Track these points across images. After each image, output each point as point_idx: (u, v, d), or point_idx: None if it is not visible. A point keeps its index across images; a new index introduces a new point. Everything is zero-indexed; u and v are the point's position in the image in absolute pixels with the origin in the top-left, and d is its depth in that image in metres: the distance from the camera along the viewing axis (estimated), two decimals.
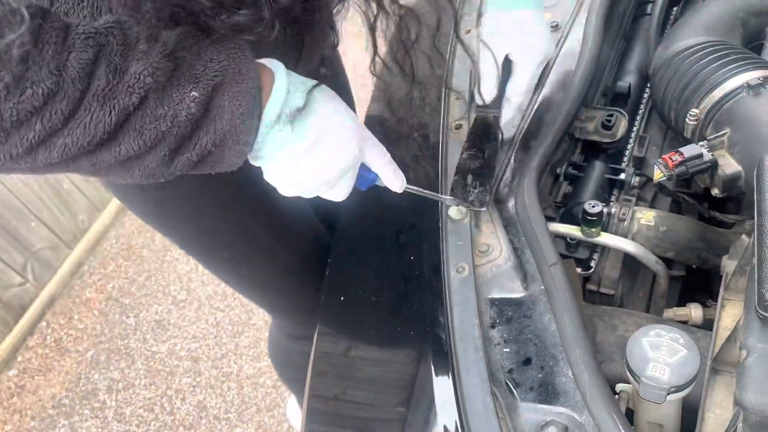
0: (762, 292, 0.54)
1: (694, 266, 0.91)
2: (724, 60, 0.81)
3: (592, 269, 0.88)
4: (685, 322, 0.86)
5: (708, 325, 0.84)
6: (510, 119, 0.89)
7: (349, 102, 1.07)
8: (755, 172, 0.63)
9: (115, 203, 2.62)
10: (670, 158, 0.74)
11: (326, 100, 0.65)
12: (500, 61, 0.83)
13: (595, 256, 0.89)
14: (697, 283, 0.98)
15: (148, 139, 0.55)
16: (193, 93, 0.55)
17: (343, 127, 0.65)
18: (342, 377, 0.84)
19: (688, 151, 0.74)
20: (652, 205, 0.96)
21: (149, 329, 2.26)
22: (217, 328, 2.19)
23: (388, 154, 0.70)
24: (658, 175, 0.76)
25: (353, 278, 0.89)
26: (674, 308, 0.88)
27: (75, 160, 0.54)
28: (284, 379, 1.56)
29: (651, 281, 0.98)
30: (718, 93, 0.78)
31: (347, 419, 0.81)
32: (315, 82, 0.65)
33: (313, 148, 0.63)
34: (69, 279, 2.46)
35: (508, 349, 0.69)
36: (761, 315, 0.55)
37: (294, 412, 1.87)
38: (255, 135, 0.61)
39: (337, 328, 0.87)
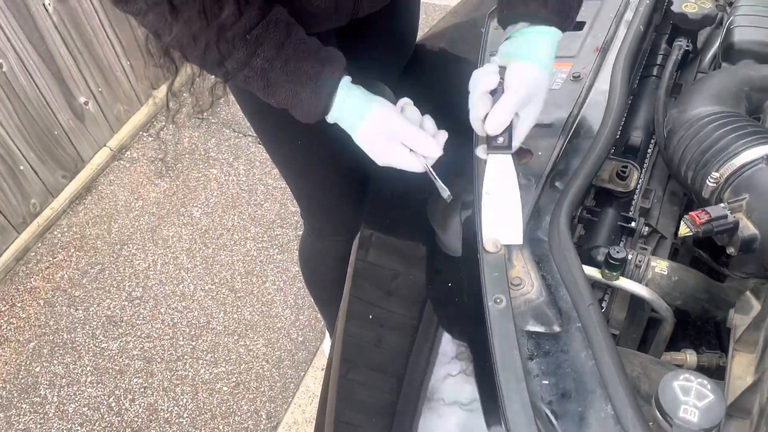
0: None
1: (692, 317, 0.98)
2: (744, 131, 0.89)
3: (603, 309, 0.94)
4: (680, 366, 0.93)
5: (701, 369, 0.91)
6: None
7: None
8: None
9: (70, 190, 2.52)
10: (698, 216, 0.81)
11: (376, 113, 0.89)
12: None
13: (606, 297, 0.95)
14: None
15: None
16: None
17: (377, 138, 0.91)
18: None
19: (714, 211, 0.81)
20: (653, 253, 1.03)
21: (99, 325, 2.18)
22: (174, 329, 2.14)
23: (421, 135, 0.90)
24: (684, 230, 0.83)
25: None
26: (671, 352, 0.95)
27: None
28: (309, 283, 1.65)
29: (645, 324, 1.05)
30: (738, 161, 0.86)
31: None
32: (371, 96, 0.91)
33: (361, 141, 0.92)
34: (13, 264, 2.34)
35: (546, 382, 0.73)
36: None
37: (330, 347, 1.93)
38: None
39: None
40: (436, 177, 0.92)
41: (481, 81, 0.89)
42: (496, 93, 0.89)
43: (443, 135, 0.93)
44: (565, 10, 0.89)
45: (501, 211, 0.89)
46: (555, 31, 0.90)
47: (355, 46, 1.08)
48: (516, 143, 0.91)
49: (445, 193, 0.92)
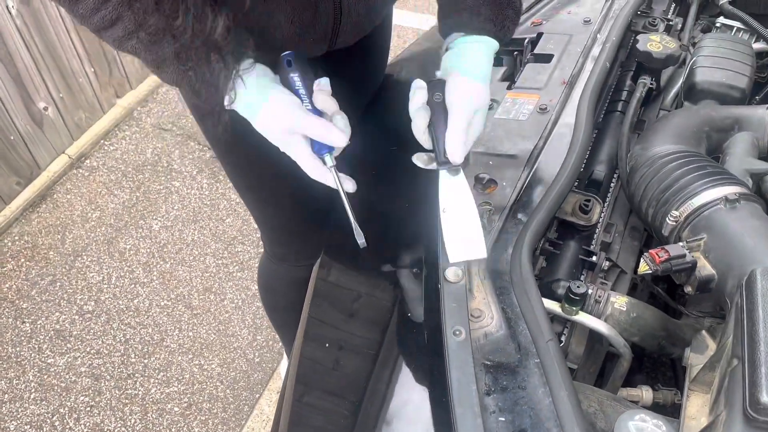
0: (756, 395, 0.60)
1: (647, 352, 0.99)
2: (704, 171, 0.90)
3: (562, 343, 0.93)
4: (636, 402, 0.93)
5: (656, 406, 0.91)
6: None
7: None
8: (744, 283, 0.70)
9: (23, 197, 2.43)
10: (657, 254, 0.81)
11: (272, 102, 0.84)
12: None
13: (565, 331, 0.94)
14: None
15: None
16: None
17: (273, 119, 0.85)
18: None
19: (673, 249, 0.81)
20: (612, 288, 1.03)
21: (46, 339, 2.10)
22: (126, 346, 2.07)
23: (327, 127, 0.84)
24: (643, 267, 0.83)
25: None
26: (628, 388, 0.94)
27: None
28: (268, 306, 1.64)
29: (602, 358, 1.05)
30: (697, 201, 0.87)
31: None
32: (271, 85, 0.85)
33: (257, 126, 0.86)
34: None
35: (503, 419, 0.72)
36: (751, 416, 0.61)
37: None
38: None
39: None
40: (353, 217, 0.87)
41: (415, 95, 0.88)
42: (433, 105, 0.88)
43: (347, 129, 0.88)
44: (500, 19, 0.89)
45: (461, 227, 0.88)
46: (490, 40, 0.89)
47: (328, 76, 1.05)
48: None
49: (360, 239, 0.88)
